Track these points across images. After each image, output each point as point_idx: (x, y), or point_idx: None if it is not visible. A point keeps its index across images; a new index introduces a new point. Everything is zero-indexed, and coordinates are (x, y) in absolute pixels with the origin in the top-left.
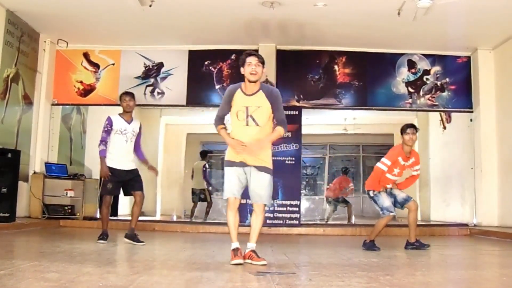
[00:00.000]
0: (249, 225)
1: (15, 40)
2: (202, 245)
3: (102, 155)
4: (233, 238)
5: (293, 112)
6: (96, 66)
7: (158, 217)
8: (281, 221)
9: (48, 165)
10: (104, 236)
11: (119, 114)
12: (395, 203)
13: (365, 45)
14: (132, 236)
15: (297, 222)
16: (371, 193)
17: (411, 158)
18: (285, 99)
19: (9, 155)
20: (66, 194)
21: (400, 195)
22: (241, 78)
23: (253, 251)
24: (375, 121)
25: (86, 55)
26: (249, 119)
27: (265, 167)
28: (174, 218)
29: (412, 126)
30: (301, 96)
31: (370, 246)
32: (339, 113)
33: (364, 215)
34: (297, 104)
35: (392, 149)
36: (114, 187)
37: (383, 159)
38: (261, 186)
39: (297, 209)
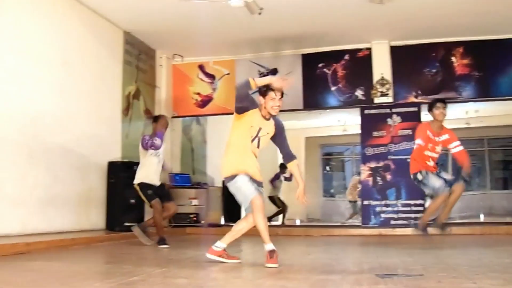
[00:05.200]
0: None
1: (133, 58)
2: (325, 250)
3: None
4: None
5: (412, 109)
6: (211, 77)
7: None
8: (406, 221)
9: (172, 175)
10: (165, 241)
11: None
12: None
13: (482, 33)
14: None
15: None
16: (419, 177)
17: (443, 134)
18: (402, 96)
19: (135, 168)
20: (191, 203)
21: (449, 177)
22: (357, 77)
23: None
24: (500, 112)
25: (201, 67)
26: (256, 140)
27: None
28: (298, 223)
29: (441, 100)
30: (419, 92)
31: (424, 228)
32: (459, 106)
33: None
34: (415, 100)
35: (417, 128)
36: (154, 193)
37: (416, 142)
38: None
39: (421, 208)
